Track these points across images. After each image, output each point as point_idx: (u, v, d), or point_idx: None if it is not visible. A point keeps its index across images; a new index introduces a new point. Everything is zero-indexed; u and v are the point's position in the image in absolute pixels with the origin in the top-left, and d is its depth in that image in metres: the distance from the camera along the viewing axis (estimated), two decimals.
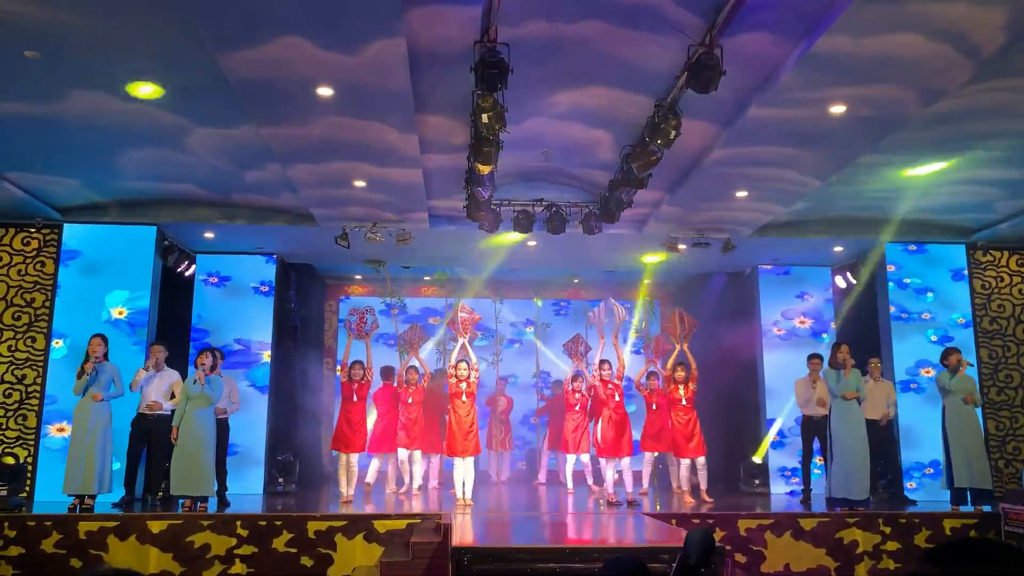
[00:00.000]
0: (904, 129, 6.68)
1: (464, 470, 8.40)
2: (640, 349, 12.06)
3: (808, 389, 9.07)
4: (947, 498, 8.22)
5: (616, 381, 8.98)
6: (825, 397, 8.59)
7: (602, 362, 9.05)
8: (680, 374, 9.06)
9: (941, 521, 7.65)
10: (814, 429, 9.01)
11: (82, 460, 7.52)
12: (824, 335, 10.86)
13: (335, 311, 13.22)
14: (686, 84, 5.50)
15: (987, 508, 7.95)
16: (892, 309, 10.01)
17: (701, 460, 8.93)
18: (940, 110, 6.41)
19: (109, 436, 7.80)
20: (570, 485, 9.64)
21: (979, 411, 8.54)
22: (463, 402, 8.52)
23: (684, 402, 8.98)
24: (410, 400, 9.34)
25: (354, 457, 8.83)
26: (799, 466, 9.59)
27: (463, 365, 8.60)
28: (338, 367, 8.94)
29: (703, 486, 8.90)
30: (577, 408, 9.48)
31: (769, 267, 11.12)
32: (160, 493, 8.37)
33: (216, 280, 10.58)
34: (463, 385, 8.55)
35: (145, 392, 8.33)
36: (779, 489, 10.35)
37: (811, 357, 9.18)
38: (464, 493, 8.32)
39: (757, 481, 10.14)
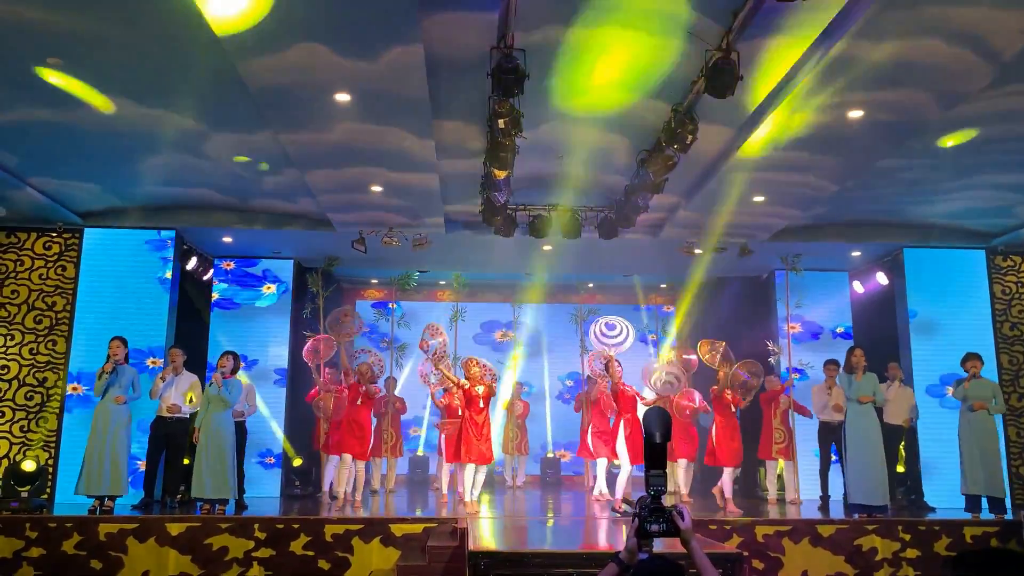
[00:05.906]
0: (923, 133, 6.64)
1: (474, 471, 8.34)
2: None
3: (824, 395, 9.00)
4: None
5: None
6: (842, 403, 8.53)
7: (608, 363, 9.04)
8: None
9: (961, 528, 7.55)
10: (831, 435, 8.96)
11: (101, 461, 7.59)
12: (840, 334, 10.79)
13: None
14: (703, 89, 5.50)
15: (1008, 516, 7.86)
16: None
17: (729, 469, 8.94)
18: (959, 114, 6.37)
19: (128, 438, 7.87)
20: (601, 490, 9.11)
21: (999, 418, 8.42)
22: (480, 407, 8.43)
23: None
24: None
25: (360, 462, 8.84)
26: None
27: (475, 366, 8.56)
28: (345, 374, 9.00)
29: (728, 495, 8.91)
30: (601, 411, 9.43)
31: (785, 271, 11.03)
32: (179, 495, 8.44)
33: (234, 283, 10.66)
34: (479, 388, 8.47)
35: (164, 395, 8.39)
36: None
37: (827, 363, 9.09)
38: (472, 496, 8.26)
39: (774, 487, 10.06)
